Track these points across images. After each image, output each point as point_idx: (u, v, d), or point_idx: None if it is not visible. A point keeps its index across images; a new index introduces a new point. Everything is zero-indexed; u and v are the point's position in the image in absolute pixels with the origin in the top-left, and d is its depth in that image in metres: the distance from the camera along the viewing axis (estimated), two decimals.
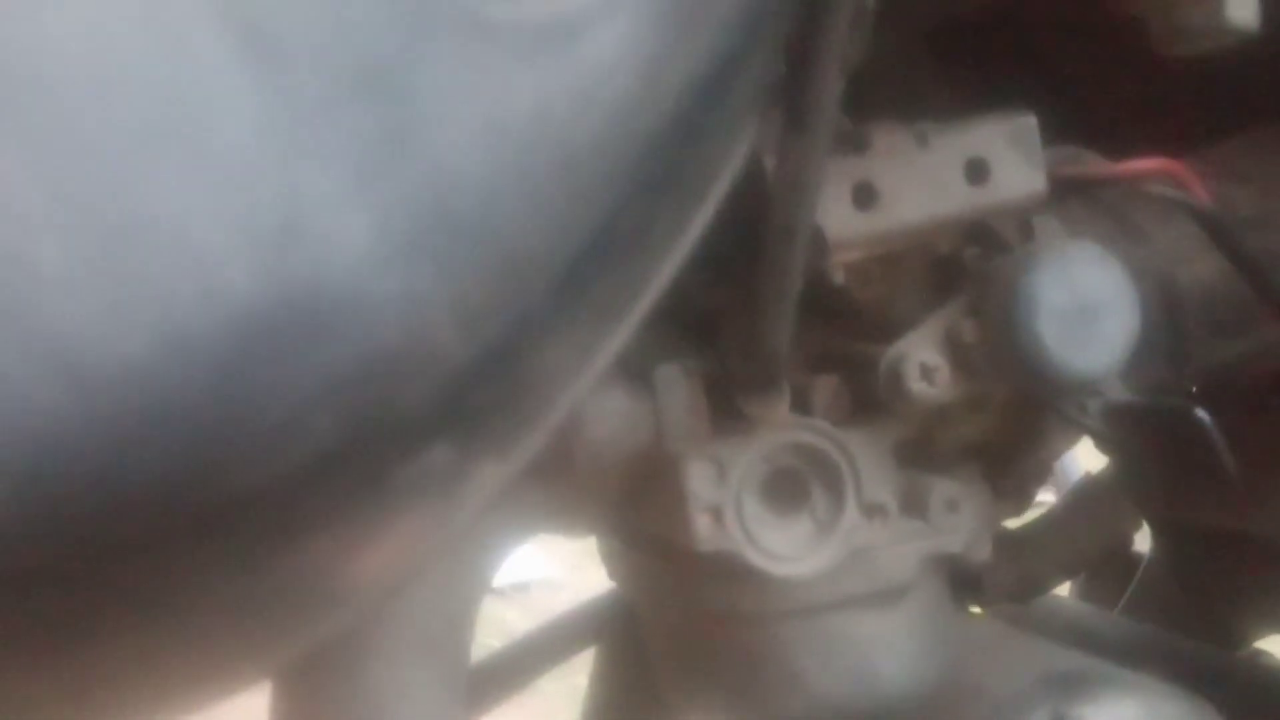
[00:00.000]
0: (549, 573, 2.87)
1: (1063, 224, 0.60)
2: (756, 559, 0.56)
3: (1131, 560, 0.95)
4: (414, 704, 0.55)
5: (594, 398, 0.55)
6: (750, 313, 0.50)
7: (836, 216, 0.52)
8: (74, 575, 0.27)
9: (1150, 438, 0.54)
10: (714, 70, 0.34)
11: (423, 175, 0.27)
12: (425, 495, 0.33)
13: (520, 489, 0.56)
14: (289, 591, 0.33)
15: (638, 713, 0.78)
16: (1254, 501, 0.80)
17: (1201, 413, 0.51)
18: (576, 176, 0.30)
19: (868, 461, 0.58)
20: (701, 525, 0.56)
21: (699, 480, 0.56)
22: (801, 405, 0.58)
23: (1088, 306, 0.53)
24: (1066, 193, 0.59)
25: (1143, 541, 0.96)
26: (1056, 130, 0.58)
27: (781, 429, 0.57)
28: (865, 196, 0.53)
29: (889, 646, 0.61)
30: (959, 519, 0.60)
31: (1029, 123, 0.55)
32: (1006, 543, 0.78)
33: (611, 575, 0.70)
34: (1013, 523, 0.75)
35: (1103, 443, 0.59)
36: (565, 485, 0.57)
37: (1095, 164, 0.59)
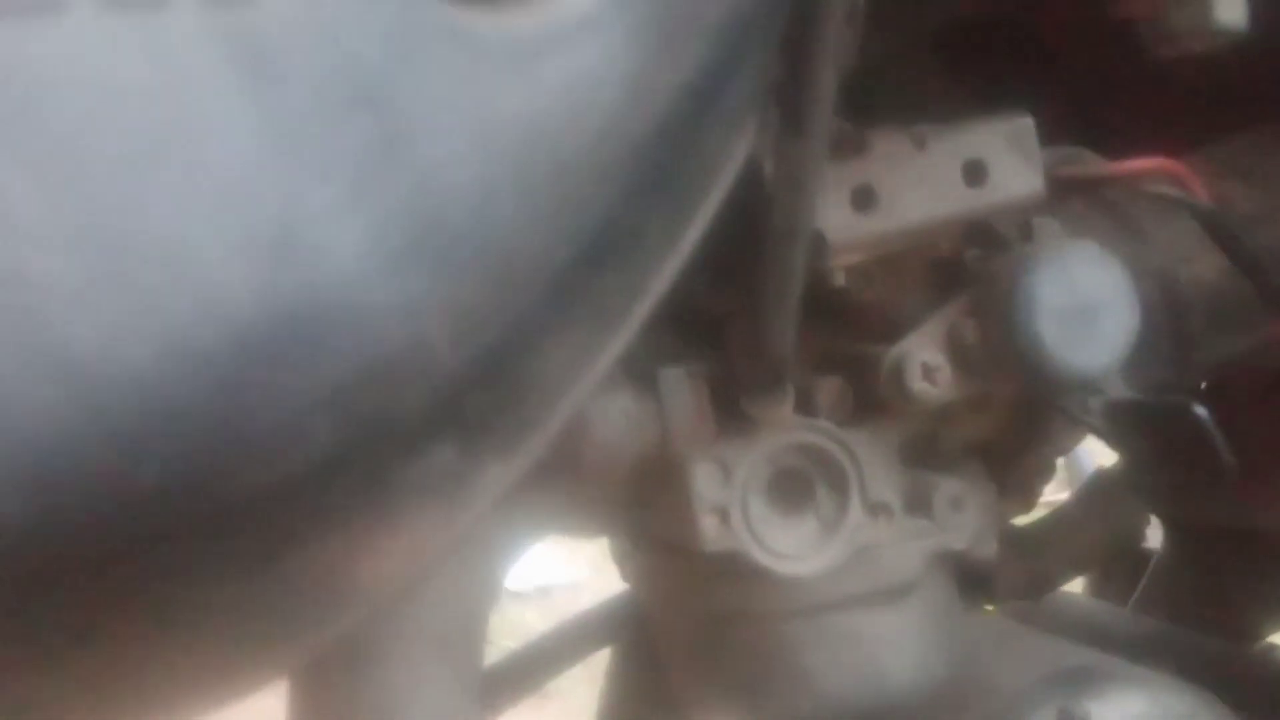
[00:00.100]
0: (571, 575, 2.87)
1: (1063, 223, 0.61)
2: (762, 558, 0.57)
3: (1142, 556, 0.95)
4: (427, 703, 0.56)
5: (600, 401, 0.56)
6: (753, 315, 0.50)
7: (836, 219, 0.53)
8: (85, 579, 0.28)
9: (1151, 435, 0.54)
10: (704, 77, 0.35)
11: (415, 186, 0.28)
12: (428, 497, 0.34)
13: (528, 491, 0.57)
14: (296, 592, 0.33)
15: (652, 712, 0.78)
16: (1260, 496, 0.80)
17: (1200, 410, 0.52)
18: (568, 184, 0.30)
19: (872, 461, 0.58)
20: (708, 526, 0.56)
21: (705, 481, 0.56)
22: (805, 406, 0.58)
23: (1087, 306, 0.54)
24: (1067, 192, 0.59)
25: (1154, 537, 0.96)
26: (1058, 130, 0.59)
27: (786, 430, 0.57)
28: (864, 199, 0.53)
29: (896, 644, 0.61)
30: (963, 517, 0.60)
31: (1027, 124, 0.55)
32: (1016, 539, 0.78)
33: (623, 576, 0.70)
34: (1023, 520, 0.75)
35: (1105, 440, 0.59)
36: (573, 487, 0.58)
37: (1095, 164, 0.59)
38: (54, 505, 0.26)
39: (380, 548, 0.34)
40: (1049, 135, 0.57)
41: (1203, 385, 0.78)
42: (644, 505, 0.61)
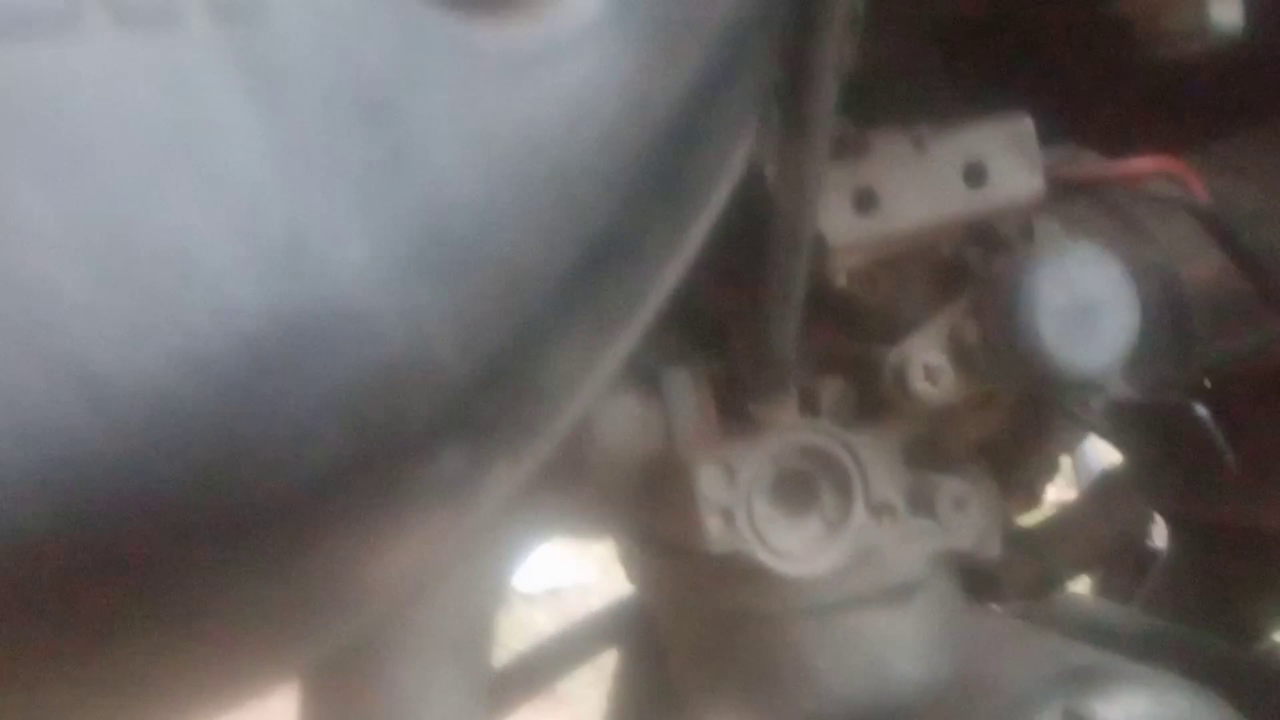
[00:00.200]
0: (580, 577, 2.87)
1: (1064, 223, 0.61)
2: (767, 559, 0.57)
3: (1148, 555, 0.95)
4: (437, 703, 0.56)
5: (605, 403, 0.56)
6: (757, 317, 0.51)
7: (837, 222, 0.53)
8: (102, 583, 0.29)
9: (1152, 434, 0.54)
10: (705, 84, 0.35)
11: (420, 197, 0.28)
12: (437, 501, 0.34)
13: (535, 494, 0.57)
14: (309, 596, 0.34)
15: (659, 713, 0.79)
16: (1264, 495, 0.80)
17: (1201, 409, 0.52)
18: (570, 193, 0.31)
19: (875, 462, 0.59)
20: (713, 527, 0.57)
21: (709, 483, 0.57)
22: (809, 407, 0.59)
23: (1087, 306, 0.54)
24: (1067, 193, 0.60)
25: (1159, 536, 0.96)
26: (1058, 130, 0.59)
27: (790, 431, 0.58)
28: (865, 201, 0.54)
29: (901, 643, 0.62)
30: (967, 517, 0.60)
31: (1026, 126, 0.55)
32: (1022, 539, 0.79)
33: (629, 577, 0.71)
34: (1028, 519, 0.76)
35: (1107, 439, 0.60)
36: (579, 490, 0.59)
37: (1095, 164, 0.60)
38: (72, 511, 0.27)
39: (391, 551, 0.35)
40: (1049, 136, 0.58)
41: (1206, 383, 0.78)
42: (649, 506, 0.61)
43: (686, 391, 0.57)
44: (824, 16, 0.38)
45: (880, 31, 0.50)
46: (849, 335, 0.61)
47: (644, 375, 0.57)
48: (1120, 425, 0.56)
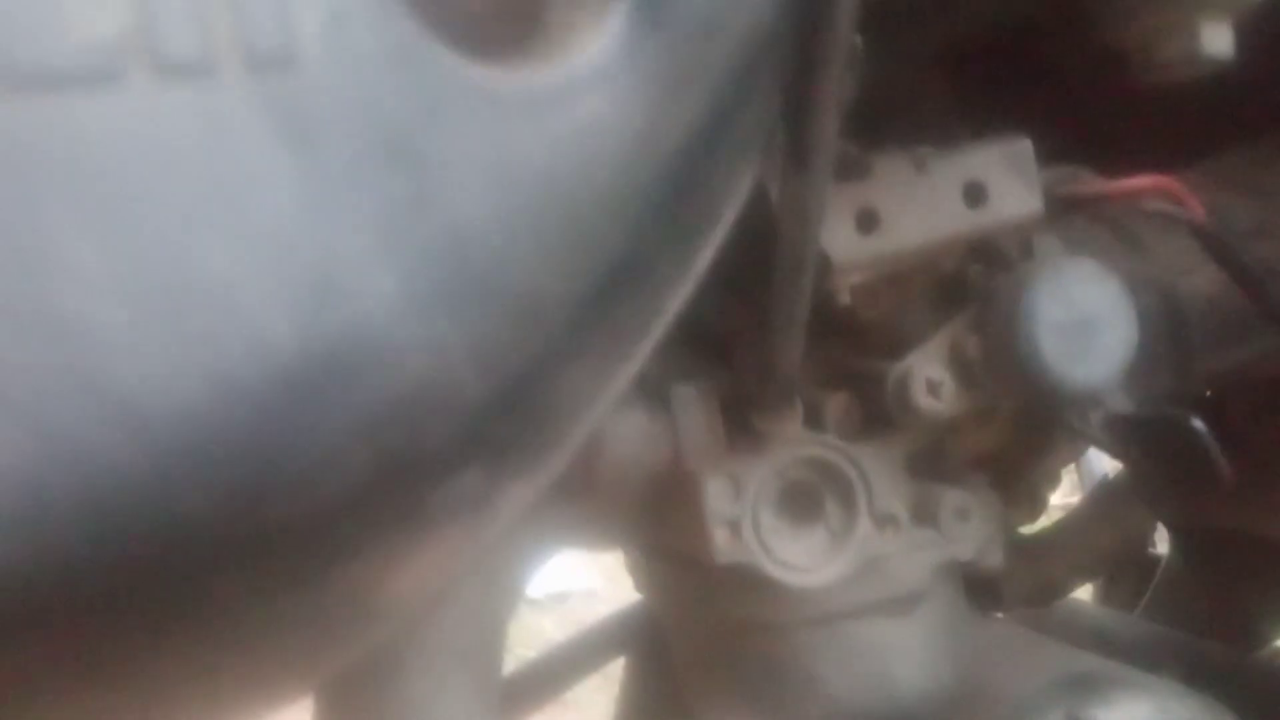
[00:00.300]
0: (587, 583, 2.87)
1: (1064, 239, 0.62)
2: (773, 570, 0.58)
3: (1150, 563, 0.96)
4: (448, 711, 0.57)
5: (614, 419, 0.57)
6: (762, 334, 0.52)
7: (840, 241, 0.54)
8: (136, 598, 0.30)
9: (1149, 446, 0.55)
10: (712, 119, 0.36)
11: (442, 234, 0.30)
12: (454, 519, 0.36)
13: (546, 507, 0.59)
14: (330, 610, 0.35)
15: None
16: (1265, 504, 0.81)
17: (1197, 422, 0.53)
18: (583, 226, 0.32)
19: (879, 474, 0.60)
20: (720, 539, 0.58)
21: (716, 495, 0.58)
22: (814, 421, 0.60)
23: (1085, 321, 0.55)
24: (1067, 210, 0.61)
25: (1162, 544, 0.97)
26: (1057, 149, 0.60)
27: (795, 444, 0.59)
28: (867, 221, 0.55)
29: (905, 652, 0.62)
30: (969, 527, 0.61)
31: (1025, 146, 0.56)
32: (1024, 547, 0.80)
33: (638, 586, 0.72)
34: (1031, 527, 0.77)
35: (1107, 451, 0.61)
36: (589, 503, 0.60)
37: (1092, 182, 0.60)
38: (111, 533, 0.28)
39: (409, 567, 0.36)
40: (1048, 155, 0.59)
41: (1207, 394, 0.79)
42: (657, 518, 0.62)
43: (694, 406, 0.58)
44: (824, 52, 0.39)
45: (883, 57, 0.51)
46: (853, 351, 0.62)
47: (652, 391, 0.58)
48: (1119, 437, 0.57)
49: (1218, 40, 0.49)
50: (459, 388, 0.31)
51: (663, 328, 0.39)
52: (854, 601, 0.61)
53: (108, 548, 0.28)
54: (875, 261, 0.55)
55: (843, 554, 0.59)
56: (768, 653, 0.62)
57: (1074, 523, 0.85)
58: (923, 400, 0.57)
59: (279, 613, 0.33)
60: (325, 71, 0.28)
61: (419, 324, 0.30)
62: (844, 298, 0.57)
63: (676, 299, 0.39)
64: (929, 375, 0.57)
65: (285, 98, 0.28)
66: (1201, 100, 0.61)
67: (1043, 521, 0.82)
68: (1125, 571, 0.95)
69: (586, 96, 0.32)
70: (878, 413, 0.60)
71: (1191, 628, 0.90)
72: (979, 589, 0.69)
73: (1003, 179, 0.56)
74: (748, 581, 0.59)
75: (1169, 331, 0.66)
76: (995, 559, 0.64)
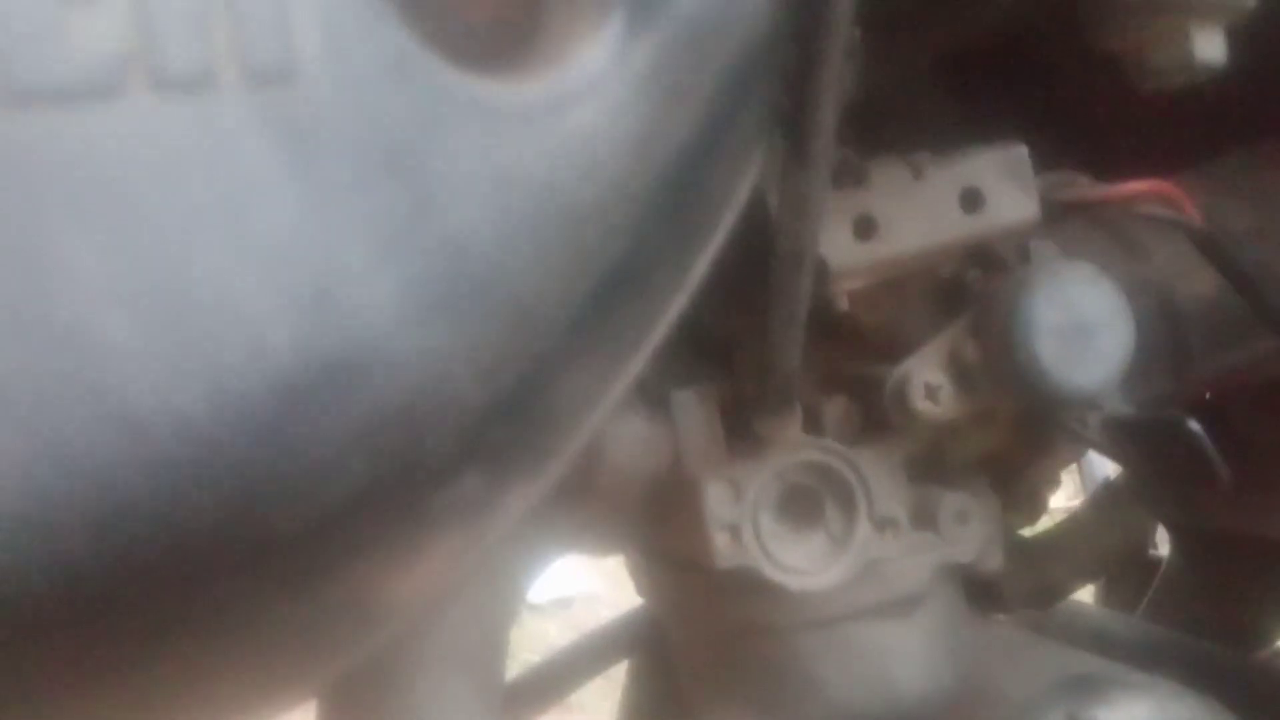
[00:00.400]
0: (590, 588, 2.87)
1: (1062, 244, 0.62)
2: (774, 574, 0.58)
3: (1151, 564, 0.96)
4: (451, 715, 0.58)
5: (615, 424, 0.57)
6: (762, 339, 0.52)
7: (838, 247, 0.55)
8: (139, 605, 0.31)
9: (1147, 449, 0.56)
10: (708, 125, 0.37)
11: (440, 243, 0.30)
12: (454, 524, 0.36)
13: (547, 512, 0.59)
14: (330, 616, 0.35)
15: None
16: (1265, 504, 0.81)
17: (1194, 424, 0.53)
18: (581, 235, 0.33)
19: (878, 477, 0.60)
20: (720, 543, 0.58)
21: (717, 500, 0.58)
22: (813, 425, 0.60)
23: (1083, 325, 0.55)
24: (1063, 215, 0.61)
25: (1163, 546, 0.97)
26: (1054, 154, 0.60)
27: (794, 449, 0.59)
28: (865, 228, 0.55)
29: (905, 654, 0.63)
30: (969, 530, 0.62)
31: (1021, 152, 0.57)
32: (1025, 549, 0.80)
33: (639, 591, 0.72)
34: (1032, 528, 0.77)
35: (1105, 454, 0.61)
36: (589, 508, 0.60)
37: (1089, 187, 0.61)
38: (110, 540, 0.28)
39: (410, 572, 0.36)
40: (1044, 160, 0.59)
41: (1206, 397, 0.80)
42: (657, 523, 0.62)
43: (693, 411, 0.58)
44: (823, 50, 0.39)
45: (879, 63, 0.51)
46: (852, 355, 0.62)
47: (652, 396, 0.58)
48: (1117, 440, 0.57)
49: (1210, 47, 0.50)
50: (458, 395, 0.31)
51: (661, 333, 0.40)
52: (854, 604, 0.61)
53: (109, 554, 0.28)
54: (873, 267, 0.56)
55: (843, 557, 0.59)
56: (768, 656, 0.62)
57: (1074, 524, 0.85)
58: (921, 404, 0.58)
59: (280, 618, 0.33)
60: (324, 84, 0.29)
61: (417, 332, 0.30)
62: (842, 303, 0.57)
63: (675, 304, 0.39)
64: (927, 379, 0.58)
65: (284, 111, 0.28)
66: (1197, 105, 0.62)
67: (1045, 525, 0.82)
68: (1126, 573, 0.95)
69: (583, 106, 0.32)
70: (877, 417, 0.60)
71: (1192, 629, 0.90)
72: (979, 591, 0.70)
73: (999, 184, 0.56)
74: (748, 585, 0.59)
75: (1167, 335, 0.67)
76: (995, 561, 0.65)
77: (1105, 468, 1.13)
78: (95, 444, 0.27)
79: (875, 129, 0.55)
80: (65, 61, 0.27)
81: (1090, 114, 0.74)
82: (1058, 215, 0.60)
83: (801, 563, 0.59)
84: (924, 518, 0.61)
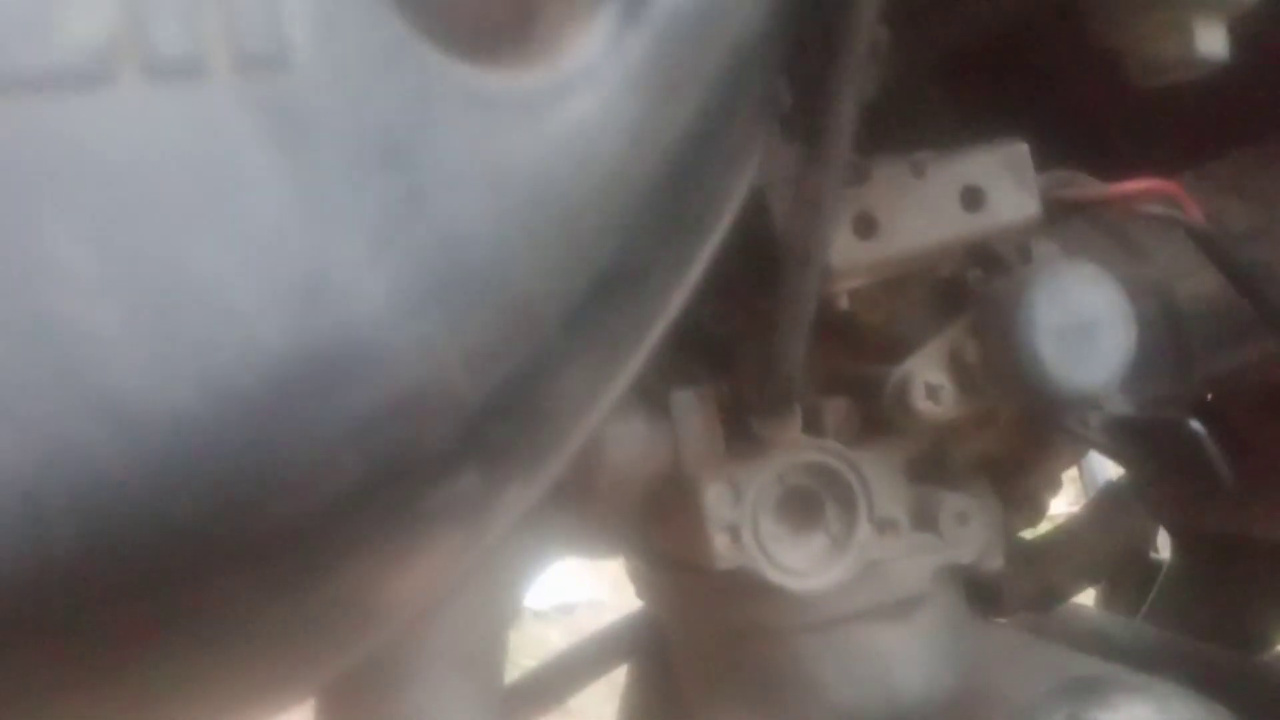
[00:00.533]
0: (592, 594, 2.87)
1: (1063, 244, 0.62)
2: (774, 575, 0.58)
3: (1152, 567, 0.96)
4: (450, 717, 0.57)
5: (614, 424, 0.57)
6: (765, 339, 0.52)
7: (839, 246, 0.54)
8: (130, 604, 0.30)
9: (1149, 450, 0.55)
10: (706, 118, 0.36)
11: (434, 235, 0.30)
12: (451, 523, 0.36)
13: (545, 513, 0.59)
14: (325, 615, 0.35)
15: None
16: (1266, 507, 0.81)
17: (1196, 425, 0.53)
18: (578, 227, 0.32)
19: (879, 478, 0.60)
20: (720, 544, 0.58)
21: (716, 501, 0.58)
22: (813, 426, 0.60)
23: (1084, 324, 0.55)
24: (1065, 214, 0.61)
25: (1164, 549, 0.97)
26: (1055, 153, 0.60)
27: (794, 450, 0.59)
28: (865, 226, 0.55)
29: (905, 656, 0.62)
30: (969, 531, 0.61)
31: (1022, 151, 0.57)
32: (1026, 552, 0.79)
33: (639, 593, 0.72)
34: (1033, 531, 0.77)
35: (1107, 455, 0.61)
36: (588, 509, 0.60)
37: (1090, 186, 0.60)
38: (102, 536, 0.28)
39: (405, 571, 0.36)
40: (1045, 159, 0.59)
41: (1208, 397, 0.79)
42: (657, 525, 0.62)
43: (693, 412, 0.58)
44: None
45: (888, 63, 0.51)
46: (852, 355, 0.62)
47: (651, 396, 0.58)
48: (1119, 441, 0.57)
49: (1212, 42, 0.49)
50: (452, 391, 0.31)
51: (660, 331, 0.39)
52: (854, 606, 0.61)
53: (101, 552, 0.28)
54: (874, 266, 0.56)
55: (843, 559, 0.59)
56: (768, 658, 0.62)
57: (1075, 527, 0.85)
58: (922, 404, 0.57)
59: (274, 617, 0.33)
60: (316, 72, 0.28)
61: (411, 326, 0.30)
62: (842, 302, 0.57)
63: (674, 302, 0.39)
64: (928, 379, 0.57)
65: (276, 99, 0.28)
66: (1198, 104, 0.61)
67: (1046, 529, 0.82)
68: (1127, 576, 0.95)
69: (578, 97, 0.32)
70: (877, 417, 0.60)
71: (1193, 632, 0.90)
72: (980, 593, 0.69)
73: (1000, 183, 0.56)
74: (748, 587, 0.59)
75: (1168, 335, 0.66)
76: (995, 563, 0.64)
77: (1106, 473, 1.13)
78: (83, 438, 0.27)
79: (874, 128, 0.55)
80: (53, 47, 0.26)
81: (1090, 114, 0.74)
82: (1058, 215, 0.60)
83: (801, 564, 0.58)
84: (924, 519, 0.61)
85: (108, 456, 0.27)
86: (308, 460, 0.29)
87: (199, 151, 0.28)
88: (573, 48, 0.32)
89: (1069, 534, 0.84)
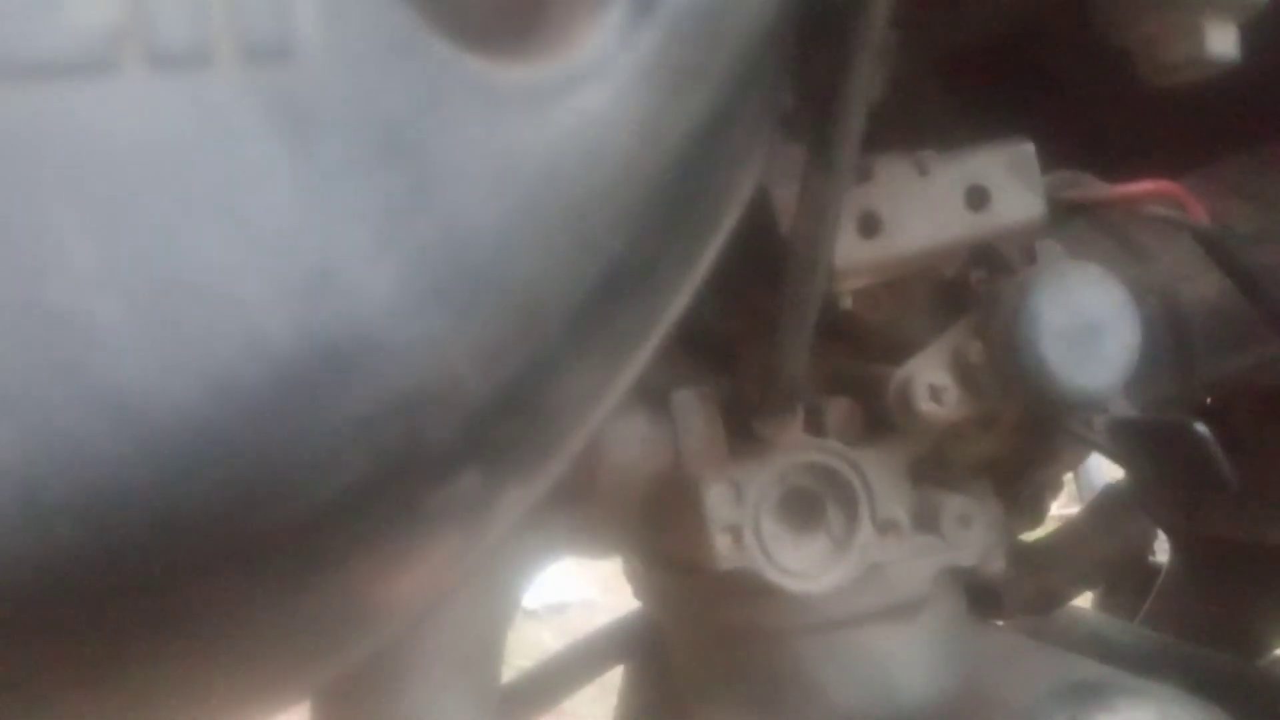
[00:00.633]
0: (585, 594, 2.87)
1: (1066, 245, 0.62)
2: (775, 576, 0.58)
3: (1150, 571, 0.96)
4: (447, 718, 0.57)
5: (615, 424, 0.57)
6: (768, 340, 0.51)
7: (842, 245, 0.54)
8: (130, 602, 0.30)
9: (1153, 452, 0.55)
10: (714, 115, 0.36)
11: (441, 229, 0.29)
12: (453, 521, 0.35)
13: (546, 513, 0.58)
14: (327, 614, 0.35)
15: None
16: (1266, 510, 0.81)
17: (1200, 427, 0.53)
18: (585, 223, 0.32)
19: (881, 479, 0.59)
20: (721, 545, 0.58)
21: (718, 501, 0.58)
22: (815, 427, 0.60)
23: (1089, 326, 0.55)
24: (1069, 215, 0.61)
25: (1162, 552, 0.97)
26: (1060, 153, 0.60)
27: (796, 450, 0.59)
28: (869, 225, 0.54)
29: (906, 659, 0.62)
30: (971, 533, 0.61)
31: (1027, 150, 0.56)
32: (1025, 555, 0.79)
33: (637, 594, 0.72)
34: (1032, 535, 0.76)
35: (1110, 457, 0.61)
36: (589, 509, 0.59)
37: (1095, 187, 0.60)
38: (103, 532, 0.28)
39: (408, 570, 0.35)
40: (1050, 159, 0.58)
41: (1207, 401, 0.79)
42: (657, 525, 0.62)
43: (694, 411, 0.58)
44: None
45: (887, 64, 0.51)
46: (855, 356, 0.61)
47: (653, 396, 0.58)
48: (1122, 443, 0.57)
49: (1223, 42, 0.49)
50: (457, 386, 0.30)
51: (665, 328, 0.39)
52: (855, 608, 0.60)
53: (100, 547, 0.27)
54: (877, 265, 0.55)
55: (844, 560, 0.58)
56: (768, 660, 0.62)
57: (1075, 531, 0.85)
58: (925, 405, 0.57)
59: (274, 616, 0.33)
60: (323, 63, 0.28)
61: (417, 320, 0.29)
62: (846, 302, 0.56)
63: (679, 299, 0.39)
64: (931, 380, 0.57)
65: (282, 89, 0.28)
66: (1204, 105, 0.61)
67: (1040, 533, 0.81)
68: (1126, 580, 0.95)
69: (587, 91, 0.32)
70: (880, 418, 0.60)
71: (1192, 636, 0.90)
72: (979, 596, 0.69)
73: (1005, 183, 0.56)
74: (749, 588, 0.58)
75: (1171, 338, 0.66)
76: (997, 565, 0.64)
77: (1102, 476, 1.13)
78: (83, 432, 0.26)
79: (878, 126, 0.55)
80: (56, 35, 0.26)
81: (1094, 115, 0.74)
82: (1063, 215, 0.59)
83: (803, 565, 0.58)
84: (926, 520, 0.61)
85: (108, 451, 0.27)
86: (310, 456, 0.29)
87: (203, 142, 0.27)
88: (583, 41, 0.32)
89: (1068, 537, 0.84)
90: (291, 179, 0.28)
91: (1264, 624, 0.93)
